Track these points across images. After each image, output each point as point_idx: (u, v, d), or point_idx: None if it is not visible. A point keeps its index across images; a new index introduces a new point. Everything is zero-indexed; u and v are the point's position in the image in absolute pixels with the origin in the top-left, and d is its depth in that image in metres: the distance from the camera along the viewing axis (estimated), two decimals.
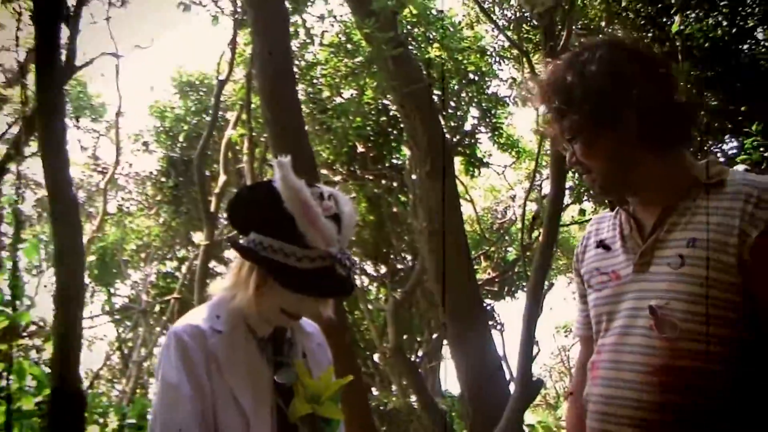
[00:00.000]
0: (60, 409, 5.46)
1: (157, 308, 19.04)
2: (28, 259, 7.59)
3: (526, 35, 12.32)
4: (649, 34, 13.01)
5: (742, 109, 8.80)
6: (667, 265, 2.00)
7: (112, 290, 20.95)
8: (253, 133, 12.39)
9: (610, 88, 2.01)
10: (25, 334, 10.59)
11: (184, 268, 18.50)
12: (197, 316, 2.41)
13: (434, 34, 13.36)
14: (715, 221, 1.95)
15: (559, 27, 8.36)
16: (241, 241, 2.42)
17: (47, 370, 6.87)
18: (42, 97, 5.84)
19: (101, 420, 10.17)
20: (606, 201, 2.40)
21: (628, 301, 2.06)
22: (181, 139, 17.32)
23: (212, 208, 13.01)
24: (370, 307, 16.30)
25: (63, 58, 6.63)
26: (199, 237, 16.04)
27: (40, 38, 5.95)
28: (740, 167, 7.77)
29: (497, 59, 14.29)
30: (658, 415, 1.91)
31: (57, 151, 5.77)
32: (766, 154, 7.42)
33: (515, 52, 12.96)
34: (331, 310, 2.50)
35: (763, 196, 1.94)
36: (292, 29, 12.73)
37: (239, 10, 12.29)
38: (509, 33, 11.95)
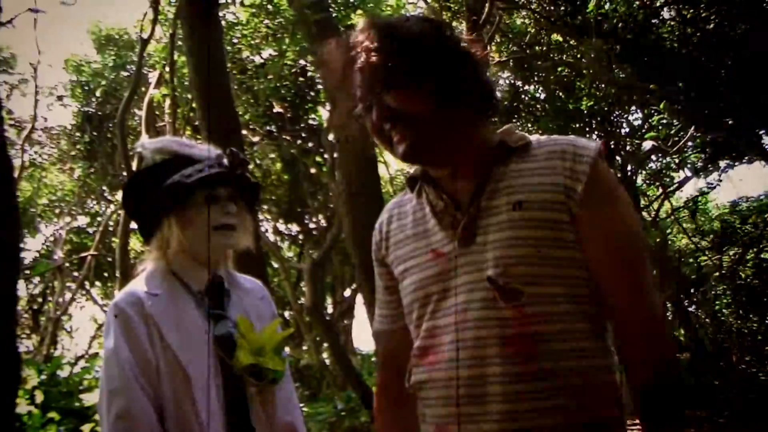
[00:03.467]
0: None
1: (67, 264, 18.90)
2: None
3: (446, 3, 12.54)
4: (563, 8, 13.42)
5: (651, 86, 9.16)
6: (495, 233, 1.89)
7: (22, 245, 20.64)
8: (176, 93, 12.38)
9: (431, 40, 1.91)
10: None
11: (97, 224, 18.36)
12: (134, 285, 2.58)
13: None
14: (538, 181, 1.90)
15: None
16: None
17: None
18: None
19: None
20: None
21: (459, 276, 1.92)
22: (97, 94, 17.13)
23: (134, 167, 12.96)
24: (284, 265, 16.49)
25: None
26: (119, 195, 15.94)
27: None
28: (648, 144, 8.19)
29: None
30: (525, 386, 1.81)
31: None
32: (671, 132, 7.81)
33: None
34: (251, 229, 2.70)
35: (578, 151, 1.91)
36: None
37: None
38: (429, 0, 12.14)
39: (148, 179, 2.62)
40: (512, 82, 17.28)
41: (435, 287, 1.96)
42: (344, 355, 12.16)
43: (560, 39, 14.53)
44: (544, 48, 15.14)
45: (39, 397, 9.43)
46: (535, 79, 16.16)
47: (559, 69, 14.92)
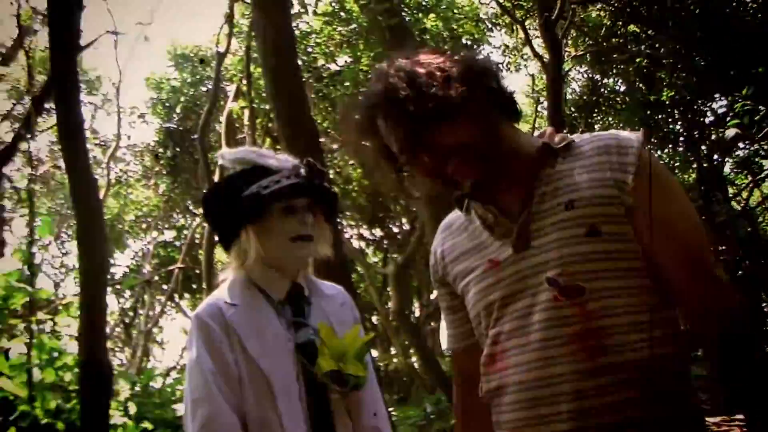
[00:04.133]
0: (90, 380, 5.68)
1: (156, 277, 19.28)
2: (41, 236, 7.77)
3: (517, 2, 12.47)
4: None
5: (731, 72, 8.93)
6: (550, 234, 1.89)
7: (112, 261, 21.16)
8: (254, 105, 12.53)
9: (453, 68, 1.90)
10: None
11: (184, 237, 18.69)
12: (215, 295, 2.62)
13: (428, 2, 13.51)
14: (586, 178, 1.90)
15: None
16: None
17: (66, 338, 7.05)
18: (59, 81, 6.01)
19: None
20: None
21: (519, 282, 1.92)
22: (177, 110, 17.46)
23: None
24: (369, 270, 16.55)
25: None
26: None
27: (53, 20, 6.11)
28: (731, 131, 7.98)
29: (490, 26, 14.43)
30: (594, 381, 1.80)
31: (76, 135, 5.96)
32: (755, 118, 7.58)
33: (508, 19, 13.08)
34: (329, 239, 2.71)
35: (622, 143, 1.91)
36: None
37: None
38: (501, 1, 12.08)
39: (226, 190, 2.66)
40: (590, 75, 17.09)
41: (495, 295, 1.96)
42: (432, 358, 12.14)
43: (637, 30, 14.30)
44: (621, 40, 14.94)
45: (132, 408, 9.60)
46: (614, 71, 15.96)
47: (638, 60, 14.69)
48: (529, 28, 12.45)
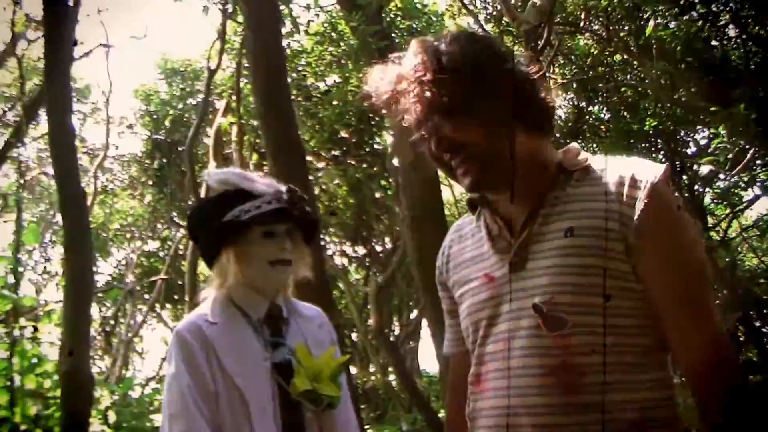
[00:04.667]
0: (71, 389, 5.77)
1: (138, 287, 19.29)
2: (28, 243, 7.86)
3: (505, 27, 12.61)
4: (626, 28, 13.39)
5: (712, 108, 9.10)
6: (545, 259, 1.83)
7: (95, 269, 21.15)
8: (242, 121, 12.63)
9: (485, 60, 1.86)
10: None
11: (167, 248, 18.73)
12: (196, 313, 2.73)
13: (417, 25, 13.65)
14: (592, 207, 1.82)
15: (540, 26, 8.63)
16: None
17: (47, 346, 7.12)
18: (52, 91, 6.12)
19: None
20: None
21: (507, 303, 1.88)
22: (166, 122, 17.57)
23: (202, 193, 13.23)
24: (350, 288, 16.62)
25: None
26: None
27: (48, 32, 6.22)
28: (706, 168, 8.12)
29: None
30: (564, 418, 1.75)
31: (66, 145, 6.08)
32: (729, 156, 7.71)
33: None
34: (309, 262, 2.82)
35: (637, 176, 1.80)
36: None
37: (228, 2, 12.52)
38: (489, 27, 12.23)
39: (209, 211, 2.78)
40: (575, 103, 17.25)
41: (485, 312, 1.93)
42: (409, 377, 12.24)
43: (623, 59, 14.47)
44: (607, 69, 15.10)
45: (112, 417, 9.68)
46: (599, 99, 16.11)
47: (623, 89, 14.86)
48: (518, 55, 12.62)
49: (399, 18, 13.33)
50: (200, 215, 2.91)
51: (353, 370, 17.93)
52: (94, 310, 20.95)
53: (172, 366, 2.58)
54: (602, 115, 16.76)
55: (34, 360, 7.44)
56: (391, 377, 16.21)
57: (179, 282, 17.08)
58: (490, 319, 1.92)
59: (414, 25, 13.78)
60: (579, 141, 17.61)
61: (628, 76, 14.92)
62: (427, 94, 1.83)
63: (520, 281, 1.86)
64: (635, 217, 1.77)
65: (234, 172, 2.83)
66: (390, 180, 14.80)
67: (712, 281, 1.89)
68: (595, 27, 14.51)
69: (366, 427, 12.52)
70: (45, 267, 20.77)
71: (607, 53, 14.59)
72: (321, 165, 15.22)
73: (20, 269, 7.29)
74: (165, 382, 2.63)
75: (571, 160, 1.92)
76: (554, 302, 1.79)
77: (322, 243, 18.64)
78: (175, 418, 2.49)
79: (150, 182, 18.17)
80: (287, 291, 2.84)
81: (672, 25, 12.34)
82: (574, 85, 15.95)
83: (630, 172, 1.82)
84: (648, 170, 1.82)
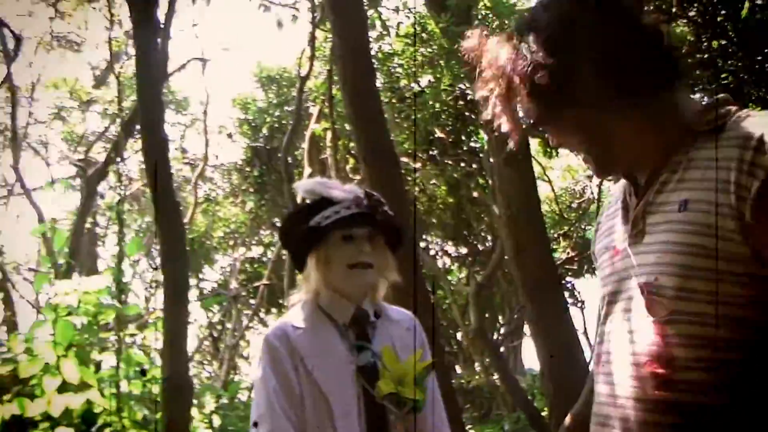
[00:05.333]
0: (171, 395, 5.93)
1: (242, 293, 19.66)
2: (130, 255, 8.11)
3: None
4: (723, 12, 13.04)
5: None
6: (659, 233, 1.63)
7: (201, 276, 21.66)
8: (336, 126, 12.77)
9: (557, 58, 1.64)
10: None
11: (270, 254, 19.02)
12: (283, 319, 2.86)
13: (509, 22, 13.53)
14: (711, 176, 1.56)
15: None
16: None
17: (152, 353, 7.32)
18: (144, 106, 6.31)
19: (196, 401, 10.70)
20: None
21: (624, 280, 1.71)
22: (264, 130, 17.89)
23: (298, 199, 13.40)
24: (451, 288, 16.60)
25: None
26: None
27: (139, 50, 6.41)
28: None
29: None
30: (655, 416, 1.58)
31: (161, 159, 6.24)
32: None
33: None
34: (393, 265, 2.86)
35: (766, 137, 1.50)
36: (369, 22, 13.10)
37: (317, 10, 12.67)
38: None
39: (294, 220, 2.90)
40: None
41: (606, 288, 1.78)
42: (511, 376, 12.15)
43: (720, 45, 14.10)
44: (706, 56, 14.75)
45: (216, 420, 9.91)
46: (699, 87, 15.76)
47: (723, 75, 14.50)
48: None
49: (490, 16, 13.23)
50: (287, 224, 3.05)
51: (458, 369, 17.96)
52: (202, 316, 21.49)
53: (260, 370, 2.69)
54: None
55: (142, 366, 7.64)
56: (494, 377, 16.17)
57: (282, 286, 17.41)
58: (611, 295, 1.76)
59: (506, 23, 13.68)
60: None
61: (729, 62, 14.54)
62: (524, 98, 1.70)
63: (637, 256, 1.68)
64: (754, 188, 1.49)
65: (318, 181, 2.95)
66: (488, 179, 14.74)
67: None
68: (691, 13, 14.21)
69: (469, 426, 12.51)
70: (153, 276, 21.33)
71: (704, 39, 14.27)
72: (418, 165, 15.22)
73: (126, 279, 7.45)
74: (254, 386, 2.76)
75: (700, 117, 1.66)
76: (658, 284, 1.59)
77: (423, 243, 18.73)
78: (261, 420, 2.59)
79: (251, 189, 18.49)
80: (376, 295, 2.89)
81: None
82: None
83: (757, 130, 1.53)
84: None
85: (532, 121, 1.73)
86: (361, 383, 2.65)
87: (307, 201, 2.88)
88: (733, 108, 1.65)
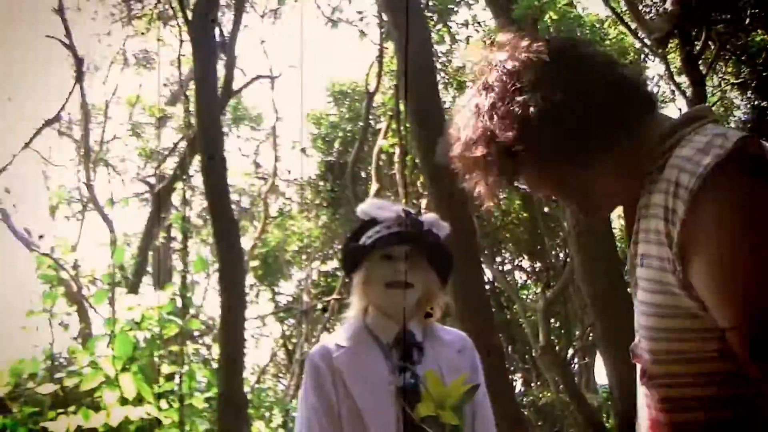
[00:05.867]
0: (226, 410, 6.02)
1: (318, 306, 19.79)
2: (197, 272, 8.25)
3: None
4: None
5: None
6: (637, 290, 1.57)
7: (276, 289, 21.86)
8: (404, 142, 12.81)
9: (522, 128, 1.55)
10: (196, 334, 11.40)
11: None
12: (329, 337, 2.92)
13: (578, 34, 13.44)
14: (652, 227, 1.48)
15: (696, 31, 8.32)
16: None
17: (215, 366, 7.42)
18: (202, 129, 6.42)
19: (267, 414, 10.82)
20: None
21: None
22: (336, 145, 18.05)
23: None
24: (525, 304, 16.49)
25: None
26: None
27: (198, 68, 6.53)
28: None
29: (641, 57, 14.26)
30: None
31: (217, 178, 6.34)
32: None
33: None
34: (435, 283, 2.83)
35: (681, 179, 1.42)
36: (437, 36, 13.12)
37: (384, 26, 12.74)
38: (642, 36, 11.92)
39: (347, 241, 2.99)
40: (756, 103, 16.54)
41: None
42: (579, 393, 12.00)
43: None
44: None
45: None
46: None
47: None
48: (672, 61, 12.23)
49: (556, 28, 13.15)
50: (343, 245, 3.16)
51: (532, 386, 17.78)
52: (276, 329, 21.66)
53: (303, 388, 2.74)
54: None
55: (202, 380, 7.74)
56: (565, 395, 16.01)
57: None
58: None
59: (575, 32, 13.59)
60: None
61: None
62: (484, 157, 1.61)
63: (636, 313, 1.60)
64: (676, 238, 1.40)
65: (373, 202, 3.00)
66: None
67: None
68: None
69: None
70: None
71: None
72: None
73: (189, 294, 7.57)
74: (298, 402, 2.82)
75: (650, 157, 1.55)
76: (640, 346, 1.56)
77: (498, 259, 18.63)
78: None
79: (324, 204, 18.65)
80: (422, 314, 2.84)
81: None
82: (754, 84, 15.32)
83: (678, 170, 1.44)
84: (699, 162, 1.41)
85: (508, 180, 1.67)
86: (401, 404, 2.62)
87: (360, 222, 2.91)
88: (687, 131, 1.54)
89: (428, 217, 2.95)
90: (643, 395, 1.57)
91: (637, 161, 1.57)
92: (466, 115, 1.65)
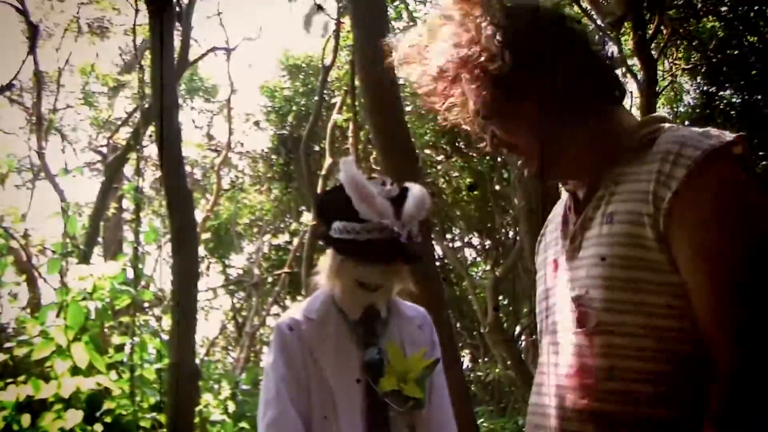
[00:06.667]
0: (177, 381, 6.01)
1: (269, 280, 19.79)
2: (148, 243, 8.19)
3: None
4: (755, 8, 12.93)
5: None
6: (589, 247, 1.66)
7: (227, 262, 21.83)
8: (358, 117, 12.80)
9: (520, 55, 1.65)
10: (146, 305, 11.34)
11: (295, 242, 19.14)
12: (297, 307, 2.89)
13: None
14: (635, 188, 1.59)
15: (649, 15, 8.41)
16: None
17: (165, 337, 7.40)
18: (157, 100, 6.37)
19: (216, 386, 10.79)
20: None
21: (559, 294, 1.74)
22: (290, 118, 17.99)
23: (318, 189, 13.44)
24: (472, 281, 16.61)
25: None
26: (307, 216, 16.58)
27: (154, 42, 6.46)
28: None
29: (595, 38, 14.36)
30: (578, 425, 1.59)
31: (172, 148, 6.31)
32: None
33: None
34: (408, 282, 2.79)
35: (684, 151, 1.55)
36: (394, 13, 13.12)
37: (341, 1, 12.71)
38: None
39: (337, 209, 2.75)
40: (705, 88, 16.77)
41: (544, 303, 1.82)
42: (526, 370, 12.16)
43: (748, 41, 14.00)
44: (737, 51, 14.62)
45: (231, 407, 10.00)
46: (730, 84, 15.62)
47: (753, 72, 14.37)
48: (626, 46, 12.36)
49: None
50: (326, 206, 2.90)
51: (480, 362, 17.95)
52: (227, 302, 21.66)
53: (271, 356, 2.75)
54: (734, 100, 16.25)
55: (153, 351, 7.70)
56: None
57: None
58: (547, 309, 1.80)
59: None
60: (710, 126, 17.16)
61: (760, 58, 14.41)
62: (472, 94, 1.72)
63: (572, 270, 1.71)
64: (667, 198, 1.53)
65: (359, 182, 2.70)
66: (510, 171, 14.74)
67: None
68: (723, 9, 14.09)
69: (481, 420, 12.52)
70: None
71: (734, 34, 14.14)
72: (440, 158, 15.24)
73: (141, 266, 7.53)
74: (264, 372, 2.80)
75: (633, 135, 1.71)
76: (588, 296, 1.63)
77: (448, 236, 18.73)
78: (268, 405, 2.64)
79: (276, 177, 18.61)
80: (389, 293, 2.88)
81: None
82: (703, 69, 15.53)
83: (677, 146, 1.58)
84: (700, 142, 1.57)
85: (488, 112, 1.73)
86: (365, 378, 2.67)
87: (346, 192, 2.69)
88: (666, 125, 1.70)
89: (415, 209, 2.71)
90: (570, 344, 1.65)
91: (608, 139, 1.72)
92: (442, 46, 1.72)
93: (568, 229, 1.78)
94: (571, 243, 1.73)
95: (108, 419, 6.40)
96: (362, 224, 2.64)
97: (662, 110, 17.13)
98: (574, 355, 1.64)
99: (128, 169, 14.80)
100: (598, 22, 11.98)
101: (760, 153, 15.11)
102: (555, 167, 1.76)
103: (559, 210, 1.91)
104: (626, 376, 1.56)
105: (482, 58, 1.67)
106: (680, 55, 14.70)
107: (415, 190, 2.77)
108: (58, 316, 6.49)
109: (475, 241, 19.99)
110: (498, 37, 1.65)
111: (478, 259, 20.53)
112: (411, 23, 13.73)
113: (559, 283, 1.76)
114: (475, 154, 15.23)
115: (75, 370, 6.37)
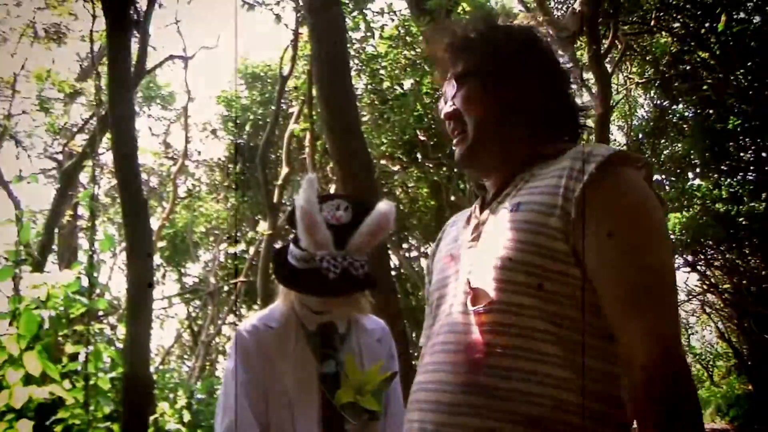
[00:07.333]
0: (131, 391, 5.99)
1: (225, 288, 19.68)
2: (103, 251, 8.14)
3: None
4: (706, 25, 13.15)
5: None
6: (490, 234, 1.73)
7: (183, 270, 21.69)
8: (315, 127, 12.82)
9: (513, 45, 1.83)
10: (101, 314, 11.24)
11: (252, 251, 19.10)
12: (258, 315, 2.88)
13: None
14: (545, 183, 1.69)
15: (604, 30, 8.56)
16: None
17: (120, 346, 7.35)
18: (113, 108, 6.36)
19: (171, 395, 10.73)
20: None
21: (455, 280, 1.79)
22: (247, 127, 17.96)
23: (275, 198, 13.44)
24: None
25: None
26: (263, 225, 16.56)
27: (111, 50, 6.45)
28: None
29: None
30: (463, 397, 1.61)
31: (127, 157, 6.30)
32: None
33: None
34: (360, 306, 2.81)
35: (595, 150, 1.66)
36: (352, 23, 13.18)
37: (301, 10, 12.73)
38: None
39: (284, 248, 2.81)
40: (658, 102, 17.03)
41: (438, 292, 1.84)
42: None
43: (700, 57, 14.25)
44: (688, 67, 14.87)
45: (187, 416, 9.96)
46: (682, 98, 15.87)
47: (704, 87, 14.62)
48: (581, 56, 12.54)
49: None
50: (292, 227, 2.84)
51: None
52: (182, 311, 21.53)
53: (231, 362, 2.74)
54: (686, 114, 16.51)
55: (108, 360, 7.65)
56: None
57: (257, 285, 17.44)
58: (440, 298, 1.83)
59: None
60: (663, 140, 17.43)
61: (711, 74, 14.66)
62: (445, 52, 1.90)
63: (471, 256, 1.77)
64: (577, 190, 1.62)
65: (307, 210, 2.65)
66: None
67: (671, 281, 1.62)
68: (675, 25, 14.33)
69: None
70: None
71: (686, 50, 14.39)
72: (396, 168, 15.30)
73: (96, 274, 7.47)
74: (224, 378, 2.78)
75: (556, 145, 1.81)
76: (483, 278, 1.67)
77: (405, 245, 18.79)
78: (227, 410, 2.63)
79: (233, 186, 18.55)
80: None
81: (757, 19, 12.13)
82: (657, 83, 15.77)
83: (591, 147, 1.69)
84: (607, 150, 1.67)
85: (458, 71, 1.86)
86: (322, 390, 2.67)
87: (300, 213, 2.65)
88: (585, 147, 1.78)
89: (366, 237, 2.68)
90: (461, 324, 1.69)
91: (531, 146, 1.84)
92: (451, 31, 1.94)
93: (472, 225, 1.84)
94: (472, 234, 1.80)
95: (59, 429, 6.34)
96: (302, 253, 2.66)
97: (617, 123, 17.37)
98: (464, 333, 1.67)
99: (84, 177, 14.69)
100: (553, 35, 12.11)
101: (712, 166, 15.37)
102: (481, 155, 1.85)
103: (460, 217, 1.99)
104: (512, 353, 1.59)
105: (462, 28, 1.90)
106: (634, 69, 14.92)
107: (375, 213, 2.73)
108: (10, 325, 6.41)
109: (431, 251, 20.04)
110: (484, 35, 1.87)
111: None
112: (368, 34, 13.82)
113: (456, 271, 1.80)
114: (431, 165, 15.32)
115: (28, 380, 6.30)
